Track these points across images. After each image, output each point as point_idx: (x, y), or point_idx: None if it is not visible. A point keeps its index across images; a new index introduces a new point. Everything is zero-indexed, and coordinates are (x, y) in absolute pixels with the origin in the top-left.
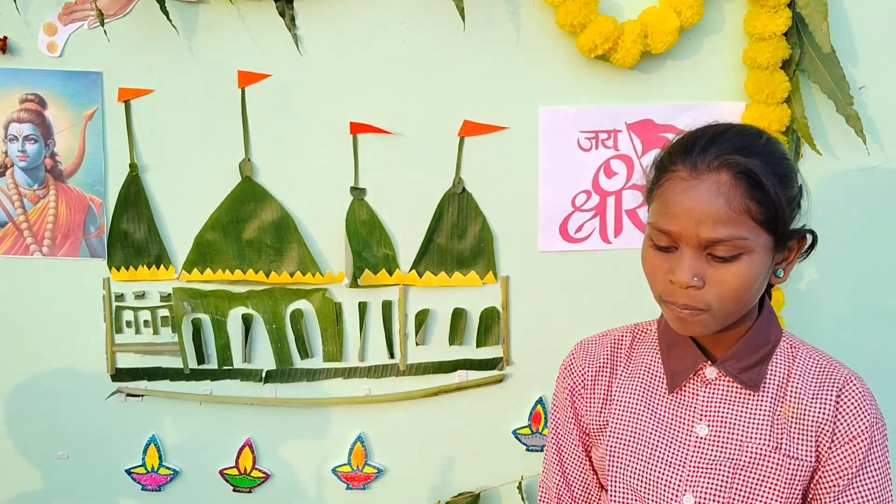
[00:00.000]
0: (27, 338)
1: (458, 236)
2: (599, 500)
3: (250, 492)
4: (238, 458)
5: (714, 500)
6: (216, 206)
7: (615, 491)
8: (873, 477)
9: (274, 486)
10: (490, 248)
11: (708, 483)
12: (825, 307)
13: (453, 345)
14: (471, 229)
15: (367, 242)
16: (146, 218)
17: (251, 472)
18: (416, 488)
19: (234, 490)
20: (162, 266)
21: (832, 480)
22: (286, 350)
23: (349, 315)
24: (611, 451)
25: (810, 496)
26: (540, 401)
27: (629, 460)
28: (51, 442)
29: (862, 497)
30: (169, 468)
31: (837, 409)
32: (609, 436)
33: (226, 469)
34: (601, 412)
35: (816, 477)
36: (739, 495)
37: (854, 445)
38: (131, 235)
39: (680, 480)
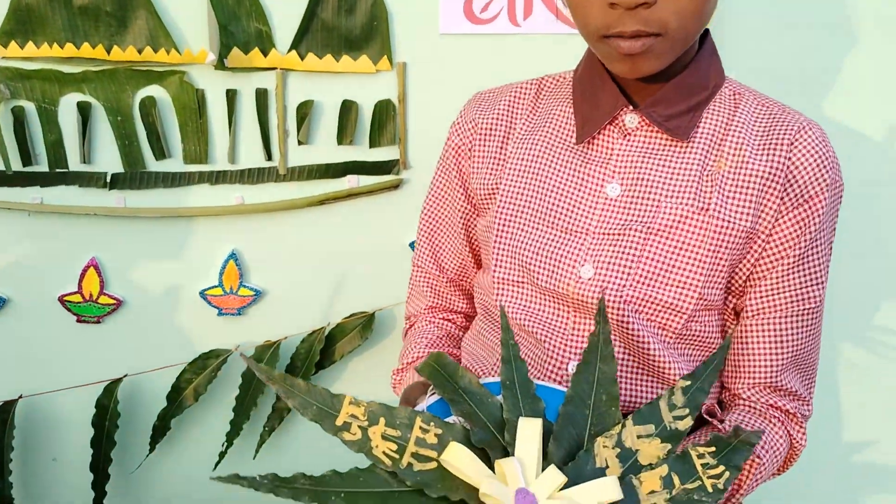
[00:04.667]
0: None
1: (347, 11)
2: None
3: (98, 322)
4: (81, 281)
5: (618, 271)
6: None
7: (499, 266)
8: (822, 252)
9: (128, 314)
10: (385, 27)
11: (612, 251)
12: None
13: (342, 144)
14: (361, 2)
15: (236, 13)
16: None
17: (98, 298)
18: (300, 311)
19: (78, 320)
20: None
21: (779, 255)
22: (136, 149)
23: (215, 106)
24: (500, 216)
25: (745, 276)
26: None
27: (521, 227)
28: None
29: (808, 278)
30: None
31: (790, 162)
32: (500, 199)
33: (66, 295)
34: (492, 173)
35: (758, 251)
36: (650, 265)
37: (809, 210)
38: None
39: (580, 249)
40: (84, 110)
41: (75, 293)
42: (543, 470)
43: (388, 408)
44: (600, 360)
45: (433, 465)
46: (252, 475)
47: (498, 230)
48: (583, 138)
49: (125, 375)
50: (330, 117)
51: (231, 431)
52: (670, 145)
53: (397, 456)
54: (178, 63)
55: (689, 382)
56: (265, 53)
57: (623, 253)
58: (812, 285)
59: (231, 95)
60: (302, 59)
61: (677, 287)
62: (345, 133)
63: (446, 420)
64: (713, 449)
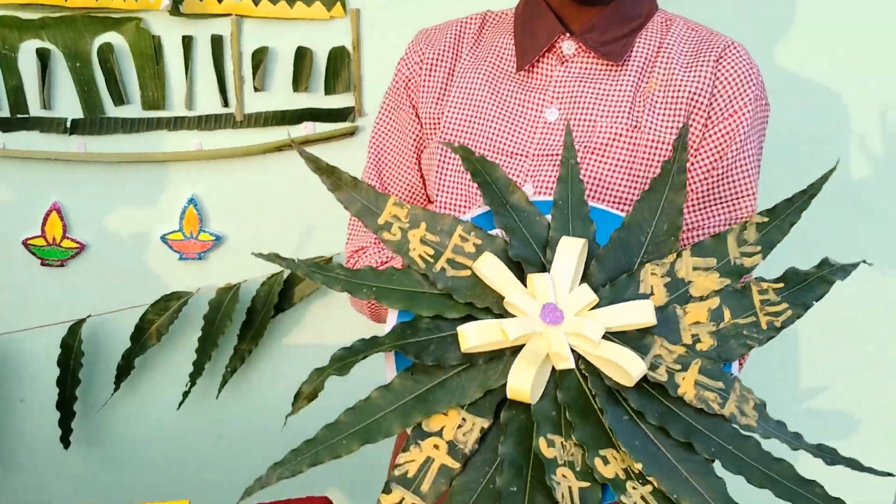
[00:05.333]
0: None
1: None
2: None
3: (62, 265)
4: (44, 226)
5: None
6: None
7: (441, 192)
8: (750, 165)
9: (91, 258)
10: None
11: (551, 171)
12: None
13: (298, 91)
14: None
15: None
16: None
17: (61, 242)
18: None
19: (42, 264)
20: None
21: (707, 168)
22: (95, 95)
23: (171, 52)
24: (443, 147)
25: None
26: None
27: None
28: None
29: (737, 190)
30: None
31: (716, 78)
32: (443, 127)
33: (30, 239)
34: (437, 105)
35: (689, 165)
36: (586, 182)
37: (734, 122)
38: None
39: (520, 171)
40: (43, 56)
41: (39, 237)
42: None
43: (432, 214)
44: (670, 188)
45: (467, 272)
46: (290, 257)
47: (442, 157)
48: (522, 66)
49: (88, 316)
50: (285, 64)
51: (194, 372)
52: (605, 69)
53: (432, 260)
54: (135, 9)
55: (766, 219)
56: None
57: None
58: (741, 197)
59: (187, 42)
60: (256, 5)
61: (613, 203)
62: (300, 80)
63: (489, 233)
64: (781, 285)
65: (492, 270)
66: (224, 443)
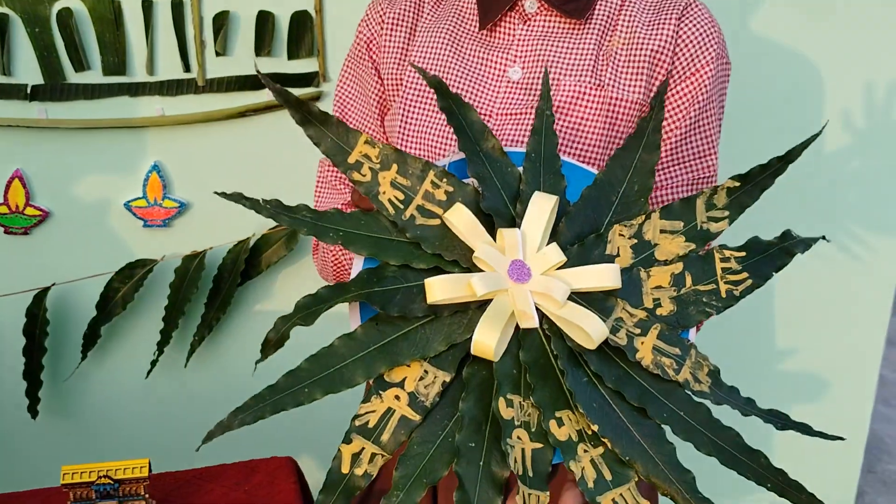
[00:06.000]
0: None
1: None
2: None
3: (26, 232)
4: (6, 193)
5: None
6: None
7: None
8: (712, 124)
9: (54, 225)
10: None
11: (515, 129)
12: None
13: (260, 56)
14: None
15: None
16: None
17: (24, 209)
18: (225, 223)
19: (5, 231)
20: None
21: (670, 126)
22: (55, 60)
23: (131, 17)
24: (405, 104)
25: None
26: None
27: (426, 113)
28: None
29: (700, 149)
30: None
31: (678, 36)
32: (405, 88)
33: None
34: (398, 66)
35: None
36: None
37: (696, 81)
38: None
39: None
40: (2, 22)
41: (1, 204)
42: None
43: (403, 155)
44: (644, 148)
45: (436, 221)
46: (256, 198)
47: (404, 116)
48: (485, 24)
49: (53, 284)
50: (247, 28)
51: (161, 340)
52: (568, 27)
53: (402, 206)
54: None
55: (738, 183)
56: None
57: (525, 132)
58: (704, 156)
59: (147, 6)
60: None
61: (578, 161)
62: (262, 44)
63: (462, 181)
64: (744, 254)
65: (462, 222)
66: (193, 412)
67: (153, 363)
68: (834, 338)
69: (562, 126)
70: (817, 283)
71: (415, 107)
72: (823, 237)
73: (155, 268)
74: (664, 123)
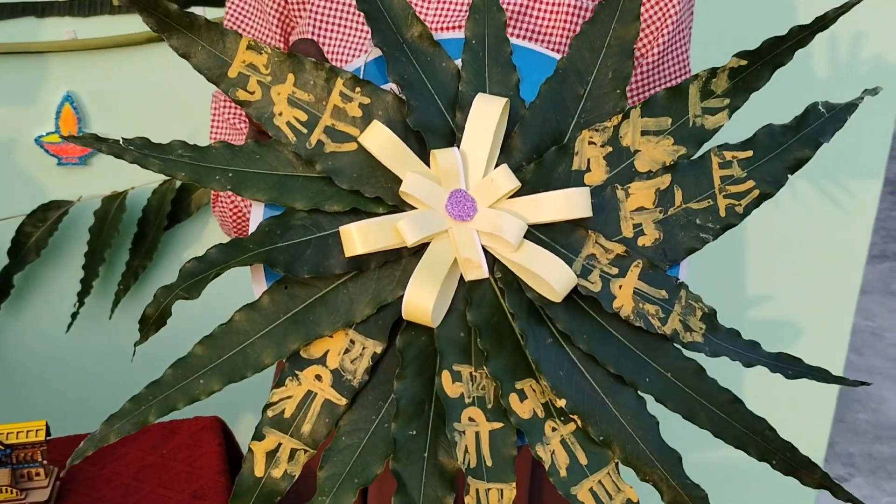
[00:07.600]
0: None
1: None
2: None
3: None
4: None
5: None
6: None
7: None
8: (686, 43)
9: None
10: None
11: (449, 8)
12: None
13: None
14: None
15: None
16: None
17: None
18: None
19: None
20: None
21: (644, 48)
22: None
23: None
24: (315, 19)
25: None
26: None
27: (344, 26)
28: None
29: (674, 69)
30: None
31: None
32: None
33: None
34: None
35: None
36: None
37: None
38: None
39: None
40: None
41: None
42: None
43: (301, 61)
44: (618, 18)
45: (352, 145)
46: (115, 138)
47: (315, 34)
48: None
49: None
50: None
51: (82, 290)
52: None
53: (305, 130)
54: None
55: (745, 62)
56: None
57: (462, 11)
58: (681, 76)
59: None
60: None
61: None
62: None
63: (381, 87)
64: (750, 153)
65: (382, 144)
66: (120, 368)
67: (74, 315)
68: (807, 285)
69: None
70: (791, 227)
71: (327, 21)
72: (872, 90)
73: (71, 210)
74: (637, 44)
